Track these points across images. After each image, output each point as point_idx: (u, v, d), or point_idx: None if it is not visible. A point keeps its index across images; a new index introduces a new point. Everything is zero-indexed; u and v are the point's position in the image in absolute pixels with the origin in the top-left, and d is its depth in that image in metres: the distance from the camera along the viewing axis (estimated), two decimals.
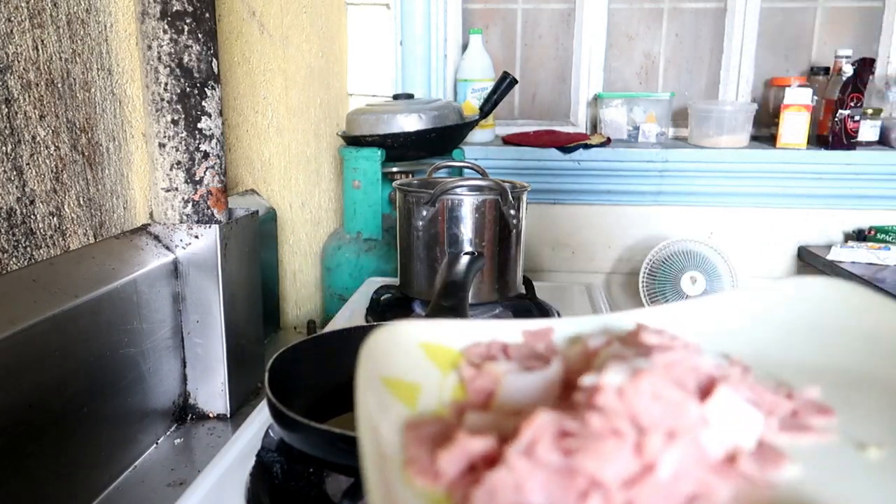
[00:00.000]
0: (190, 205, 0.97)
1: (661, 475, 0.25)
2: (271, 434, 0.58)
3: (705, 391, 0.30)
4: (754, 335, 0.39)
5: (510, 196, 0.95)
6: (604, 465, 0.25)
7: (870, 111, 1.72)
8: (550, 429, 0.27)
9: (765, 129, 1.88)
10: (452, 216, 0.96)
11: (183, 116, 0.94)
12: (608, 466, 0.25)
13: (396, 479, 0.27)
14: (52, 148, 0.80)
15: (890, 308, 0.38)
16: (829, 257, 1.61)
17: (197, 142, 0.95)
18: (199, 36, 0.93)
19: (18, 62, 0.74)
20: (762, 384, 0.33)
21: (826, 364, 0.37)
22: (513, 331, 0.38)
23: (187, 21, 0.91)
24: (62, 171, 0.82)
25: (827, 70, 1.79)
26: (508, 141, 1.80)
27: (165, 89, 0.93)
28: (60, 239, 0.82)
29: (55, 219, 0.81)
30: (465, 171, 1.29)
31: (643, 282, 1.70)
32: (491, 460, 0.26)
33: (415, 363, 0.36)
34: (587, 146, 1.72)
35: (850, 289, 0.40)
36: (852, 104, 1.67)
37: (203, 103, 0.95)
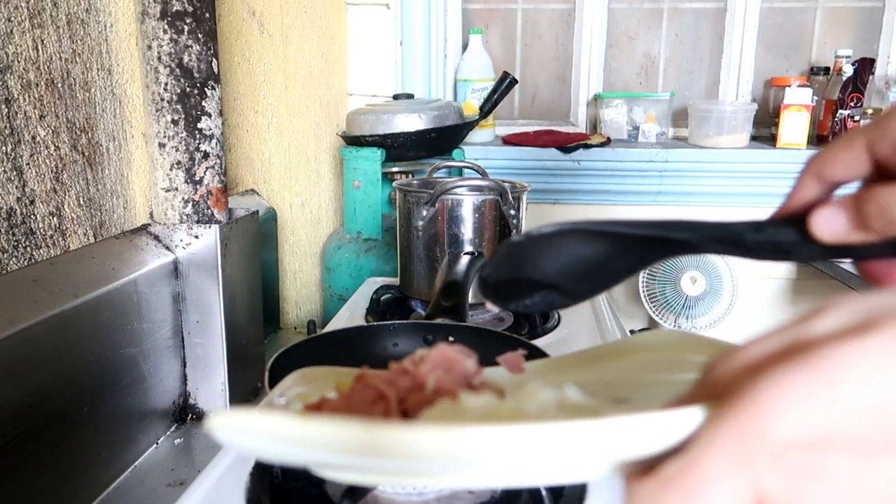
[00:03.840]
0: (190, 205, 0.97)
1: (427, 389, 0.37)
2: None
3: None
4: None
5: (510, 196, 0.95)
6: (388, 386, 0.37)
7: (870, 111, 1.72)
8: (363, 372, 0.39)
9: (765, 129, 1.88)
10: (452, 216, 0.96)
11: (183, 116, 0.94)
12: (391, 387, 0.37)
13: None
14: (52, 148, 0.80)
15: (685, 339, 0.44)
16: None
17: (197, 142, 0.95)
18: (199, 36, 0.93)
19: (18, 62, 0.74)
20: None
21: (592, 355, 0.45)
22: None
23: (187, 21, 0.91)
24: (62, 171, 0.82)
25: (827, 70, 1.79)
26: (508, 141, 1.80)
27: (165, 89, 0.93)
28: (60, 239, 0.82)
29: (55, 219, 0.81)
30: (465, 171, 1.30)
31: (643, 282, 1.70)
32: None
33: (327, 387, 0.45)
34: (587, 146, 1.72)
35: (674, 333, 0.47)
36: (852, 104, 1.67)
37: (203, 103, 0.95)
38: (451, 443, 0.25)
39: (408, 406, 0.36)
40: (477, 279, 0.44)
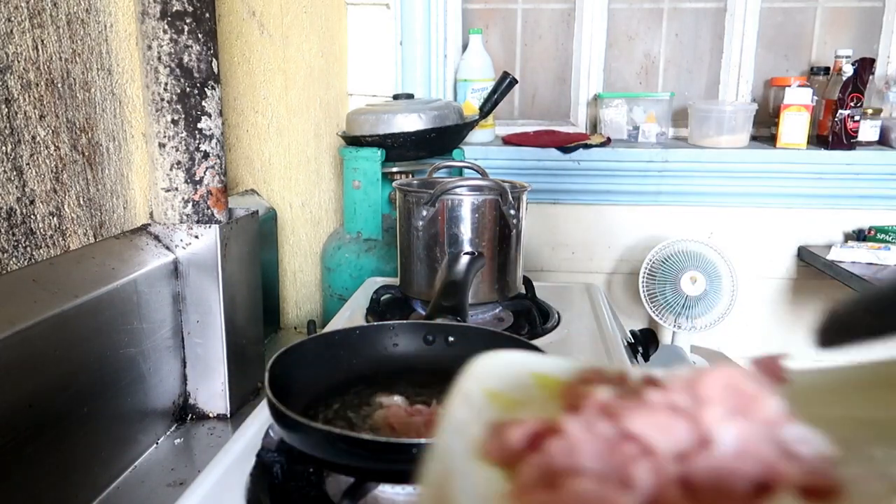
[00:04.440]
0: (190, 205, 0.97)
1: (719, 450, 0.23)
2: (271, 434, 0.58)
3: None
4: None
5: (510, 196, 0.95)
6: (656, 432, 0.24)
7: (870, 111, 1.72)
8: (607, 400, 0.26)
9: (765, 129, 1.88)
10: (452, 216, 0.96)
11: (183, 116, 0.94)
12: (660, 434, 0.24)
13: (464, 456, 0.27)
14: (52, 148, 0.80)
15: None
16: (829, 257, 1.61)
17: (197, 142, 0.95)
18: (199, 36, 0.93)
19: (18, 62, 0.74)
20: None
21: None
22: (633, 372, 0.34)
23: (187, 21, 0.91)
24: (62, 171, 0.82)
25: (827, 70, 1.79)
26: (508, 141, 1.80)
27: (165, 89, 0.93)
28: (60, 239, 0.82)
29: (55, 219, 0.81)
30: (465, 171, 1.29)
31: (643, 282, 1.70)
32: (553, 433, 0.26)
33: (523, 387, 0.35)
34: (587, 146, 1.72)
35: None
36: (852, 104, 1.67)
37: (203, 103, 0.95)
38: None
39: (693, 474, 0.23)
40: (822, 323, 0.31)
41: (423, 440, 0.48)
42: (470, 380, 0.34)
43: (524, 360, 0.37)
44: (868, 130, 1.72)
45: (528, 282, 1.06)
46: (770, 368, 0.29)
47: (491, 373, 0.35)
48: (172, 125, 0.94)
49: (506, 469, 0.26)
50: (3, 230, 0.73)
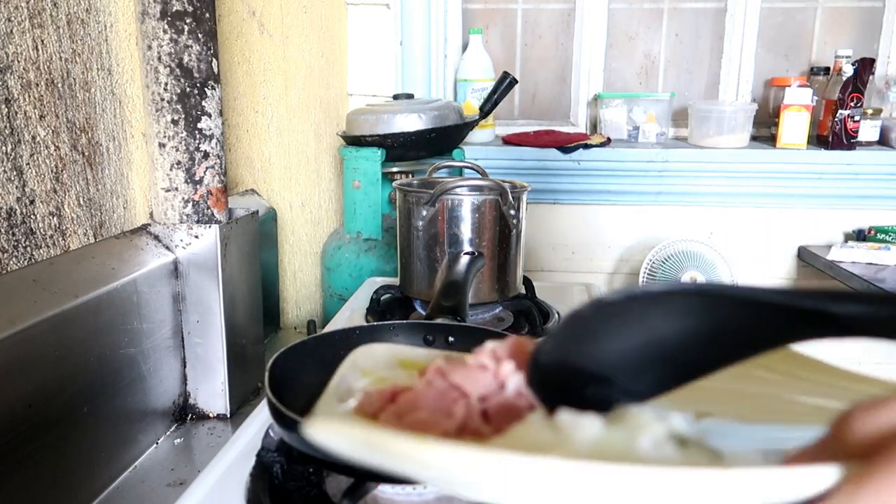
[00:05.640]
0: (190, 205, 0.97)
1: (508, 391, 0.36)
2: (271, 434, 0.58)
3: None
4: None
5: (510, 196, 0.95)
6: (469, 383, 0.36)
7: (870, 111, 1.72)
8: (441, 365, 0.38)
9: (765, 129, 1.88)
10: (452, 216, 0.96)
11: (183, 116, 0.94)
12: (472, 384, 0.36)
13: (336, 407, 0.40)
14: (52, 148, 0.80)
15: None
16: (829, 257, 1.61)
17: (197, 142, 0.95)
18: (199, 36, 0.93)
19: (18, 62, 0.74)
20: None
21: None
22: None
23: (187, 21, 0.91)
24: (62, 171, 0.82)
25: (827, 70, 1.79)
26: (508, 141, 1.80)
27: (165, 89, 0.93)
28: (60, 239, 0.82)
29: (55, 219, 0.81)
30: (465, 171, 1.29)
31: (643, 282, 1.70)
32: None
33: (390, 368, 0.50)
34: (587, 146, 1.72)
35: None
36: (852, 104, 1.67)
37: (203, 103, 0.95)
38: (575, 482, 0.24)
39: (489, 407, 0.35)
40: (529, 363, 0.35)
41: None
42: (348, 362, 0.50)
43: (394, 350, 0.53)
44: (868, 130, 1.72)
45: (528, 282, 1.06)
46: (518, 346, 0.39)
47: (366, 358, 0.51)
48: (172, 125, 0.94)
49: (372, 419, 0.37)
50: (3, 230, 0.73)
